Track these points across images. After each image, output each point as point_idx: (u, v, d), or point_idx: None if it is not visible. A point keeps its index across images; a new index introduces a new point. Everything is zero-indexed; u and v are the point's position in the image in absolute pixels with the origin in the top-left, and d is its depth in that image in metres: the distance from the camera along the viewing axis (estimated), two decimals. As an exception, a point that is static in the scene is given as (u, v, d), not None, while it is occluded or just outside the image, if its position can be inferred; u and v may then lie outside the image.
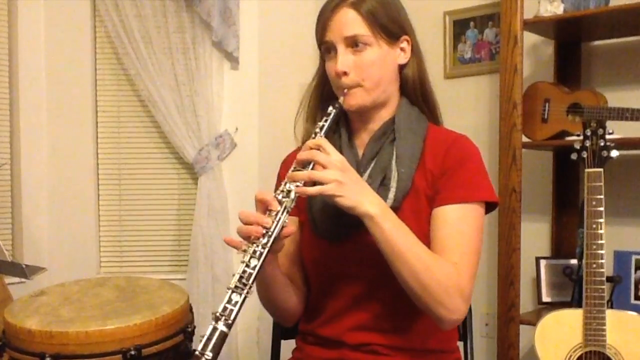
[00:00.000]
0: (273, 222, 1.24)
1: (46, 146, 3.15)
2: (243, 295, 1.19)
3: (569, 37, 2.64)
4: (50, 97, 3.15)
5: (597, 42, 2.66)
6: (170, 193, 3.23)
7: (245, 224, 1.26)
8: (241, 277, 1.20)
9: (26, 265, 2.18)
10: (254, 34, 3.14)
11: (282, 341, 1.73)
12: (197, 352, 1.13)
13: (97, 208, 3.21)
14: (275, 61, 3.15)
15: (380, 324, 1.42)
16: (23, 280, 2.37)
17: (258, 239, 1.23)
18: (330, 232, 1.43)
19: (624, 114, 2.24)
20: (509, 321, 2.47)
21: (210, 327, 1.16)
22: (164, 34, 3.06)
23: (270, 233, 1.23)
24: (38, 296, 1.83)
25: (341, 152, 1.43)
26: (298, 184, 1.26)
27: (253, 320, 3.10)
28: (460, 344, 1.61)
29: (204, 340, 1.15)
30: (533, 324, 2.06)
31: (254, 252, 1.22)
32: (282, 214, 1.25)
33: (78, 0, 3.13)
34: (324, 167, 1.25)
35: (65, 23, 3.13)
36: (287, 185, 1.27)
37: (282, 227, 1.25)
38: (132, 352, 1.59)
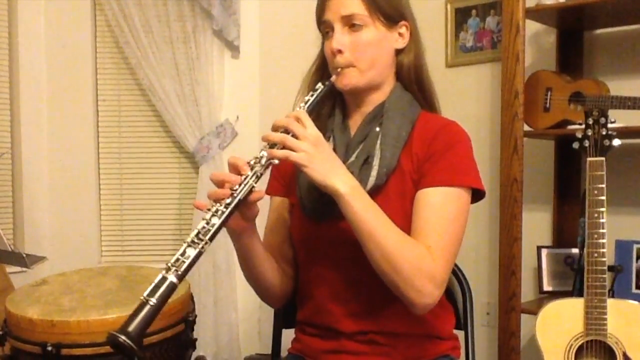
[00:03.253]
0: (240, 184, 1.25)
1: (47, 135, 3.15)
2: (197, 250, 1.19)
3: (571, 26, 2.63)
4: (51, 87, 3.14)
5: (599, 31, 2.65)
6: (171, 182, 3.23)
7: (215, 183, 1.29)
8: (198, 232, 1.20)
9: (27, 254, 2.19)
10: (254, 23, 3.13)
11: (284, 330, 1.74)
12: (142, 297, 1.12)
13: (98, 197, 3.21)
14: (276, 49, 3.14)
15: (375, 309, 1.42)
16: (24, 269, 2.37)
17: (223, 199, 1.24)
18: (315, 211, 1.44)
19: (626, 103, 2.23)
20: (510, 310, 2.47)
21: (160, 276, 1.15)
22: (165, 22, 3.05)
23: (235, 194, 1.24)
24: (39, 285, 1.83)
25: (334, 134, 1.45)
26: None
27: (254, 310, 3.10)
28: (461, 333, 1.61)
29: (151, 286, 1.13)
30: (534, 313, 2.06)
31: (217, 210, 1.23)
32: (251, 178, 1.26)
33: (78, -12, 3.13)
34: (297, 138, 1.26)
35: (66, 12, 3.12)
36: (261, 152, 1.27)
37: (250, 191, 1.26)
38: (134, 341, 1.59)
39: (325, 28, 1.45)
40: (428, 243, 1.32)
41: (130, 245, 3.24)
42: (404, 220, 1.34)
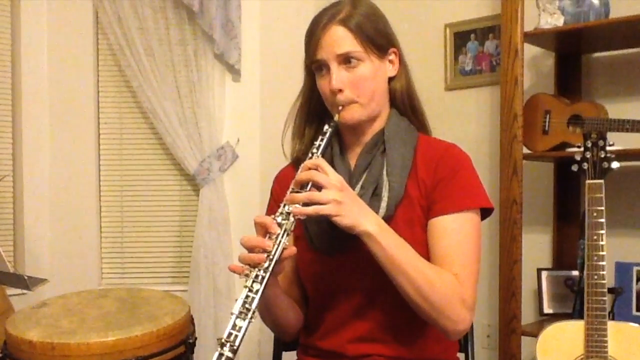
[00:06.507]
0: (274, 245, 1.24)
1: (48, 158, 3.16)
2: (247, 321, 1.20)
3: (569, 49, 2.65)
4: (53, 109, 3.16)
5: (597, 54, 2.67)
6: (171, 204, 3.23)
7: (247, 248, 1.27)
8: (244, 302, 1.21)
9: (28, 276, 2.18)
10: (255, 46, 3.15)
11: (284, 353, 1.73)
12: None
13: (99, 219, 3.22)
14: (276, 73, 3.17)
15: (380, 334, 1.42)
16: (24, 291, 2.37)
17: (260, 263, 1.23)
18: (326, 245, 1.43)
19: (624, 125, 2.24)
20: (511, 333, 2.47)
21: (217, 354, 1.16)
22: (166, 46, 3.07)
23: (271, 257, 1.24)
24: (39, 307, 1.83)
25: (333, 165, 1.44)
26: (297, 205, 1.26)
27: (254, 332, 3.09)
28: (462, 356, 1.61)
29: None
30: (535, 335, 2.06)
31: (257, 276, 1.23)
32: (282, 236, 1.25)
33: (80, 13, 3.15)
34: (322, 187, 1.26)
35: (68, 36, 3.15)
36: (287, 207, 1.27)
37: (283, 249, 1.26)
38: (134, 364, 1.58)
39: (317, 66, 1.44)
40: (454, 270, 1.34)
41: (130, 268, 3.23)
42: (415, 247, 1.34)
